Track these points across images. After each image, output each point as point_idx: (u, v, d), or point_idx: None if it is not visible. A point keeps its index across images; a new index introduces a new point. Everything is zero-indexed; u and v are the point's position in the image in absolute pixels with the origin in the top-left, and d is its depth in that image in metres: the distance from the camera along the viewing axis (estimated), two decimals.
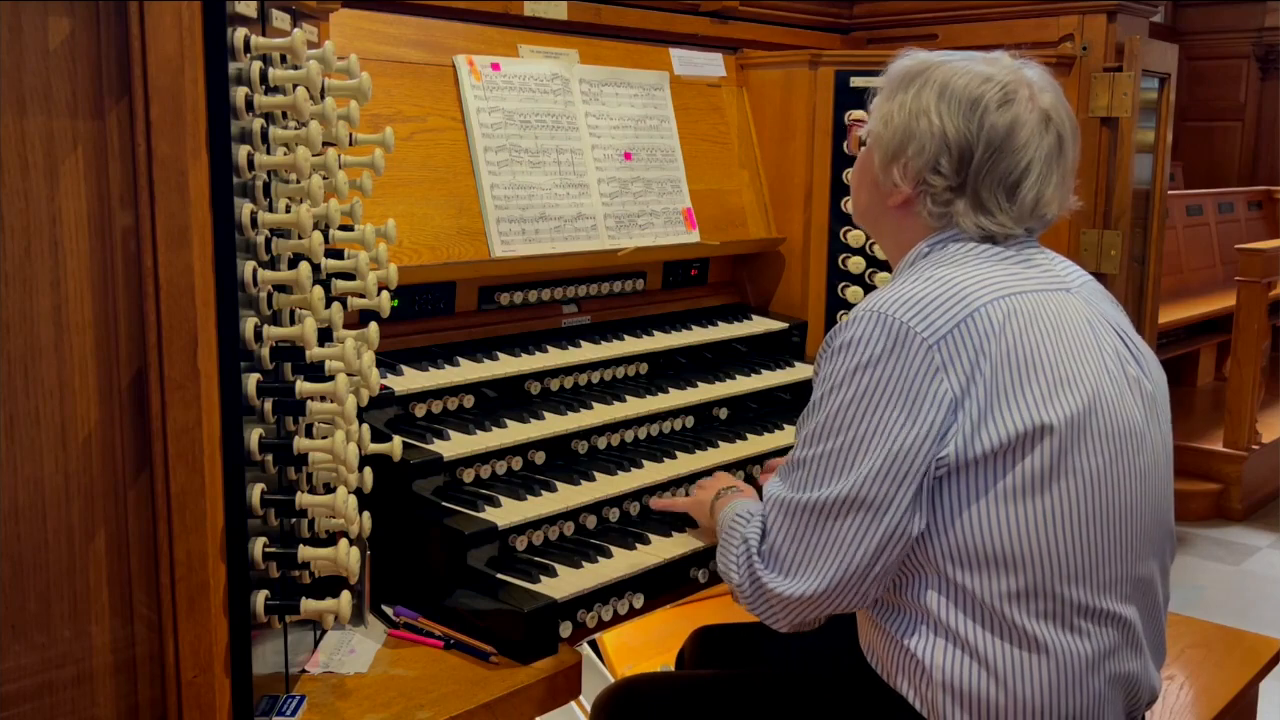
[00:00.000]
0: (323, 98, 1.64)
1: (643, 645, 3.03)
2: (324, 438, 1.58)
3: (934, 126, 1.66)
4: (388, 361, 2.12)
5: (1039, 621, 1.55)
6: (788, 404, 2.65)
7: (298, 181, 1.54)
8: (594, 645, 2.97)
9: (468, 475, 2.05)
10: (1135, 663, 1.65)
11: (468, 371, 2.19)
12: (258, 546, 1.50)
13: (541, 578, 1.87)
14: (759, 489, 2.10)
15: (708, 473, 2.28)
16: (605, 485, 2.12)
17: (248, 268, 1.47)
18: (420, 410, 2.11)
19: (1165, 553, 1.73)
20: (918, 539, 1.56)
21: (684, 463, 2.26)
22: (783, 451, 2.42)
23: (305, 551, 1.55)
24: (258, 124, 1.50)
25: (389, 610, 1.89)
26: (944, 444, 1.53)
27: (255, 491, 1.49)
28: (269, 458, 1.53)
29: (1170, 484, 1.74)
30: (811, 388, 1.66)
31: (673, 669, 2.34)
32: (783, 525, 1.62)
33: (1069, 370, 1.57)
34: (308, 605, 1.54)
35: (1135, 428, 1.63)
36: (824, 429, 1.59)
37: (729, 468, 2.31)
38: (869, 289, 2.82)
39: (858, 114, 1.86)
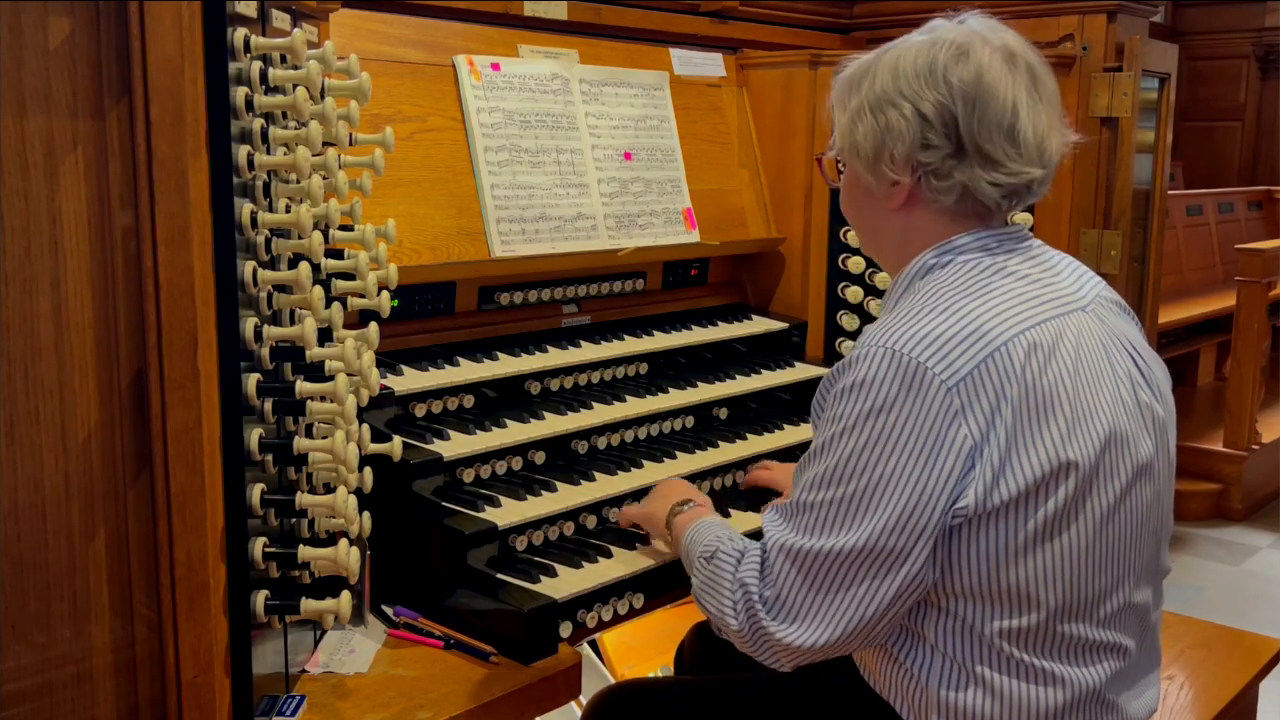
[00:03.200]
0: (323, 98, 1.64)
1: (643, 645, 3.03)
2: (324, 438, 1.57)
3: (903, 109, 1.57)
4: (388, 361, 2.12)
5: (1044, 659, 1.53)
6: (788, 404, 2.65)
7: (298, 181, 1.54)
8: (594, 645, 2.97)
9: (468, 475, 2.05)
10: (1128, 692, 1.63)
11: (468, 371, 2.19)
12: (258, 546, 1.50)
13: (541, 578, 1.87)
14: (717, 500, 2.08)
15: (708, 473, 2.28)
16: (605, 485, 2.12)
17: (248, 268, 1.47)
18: (420, 410, 2.11)
19: (1160, 574, 1.71)
20: None
21: (684, 463, 2.26)
22: (783, 452, 2.43)
23: (305, 551, 1.55)
24: (258, 124, 1.49)
25: (389, 610, 1.89)
26: (962, 493, 1.46)
27: (255, 491, 1.49)
28: (269, 458, 1.53)
29: (1171, 507, 1.70)
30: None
31: (671, 669, 2.34)
32: (790, 573, 1.54)
33: (1087, 405, 1.51)
34: (308, 605, 1.54)
35: (1144, 461, 1.59)
36: (835, 473, 1.50)
37: (729, 468, 2.32)
38: (869, 289, 2.82)
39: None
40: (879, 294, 2.80)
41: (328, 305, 1.63)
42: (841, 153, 1.70)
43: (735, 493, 2.31)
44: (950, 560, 1.50)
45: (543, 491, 2.04)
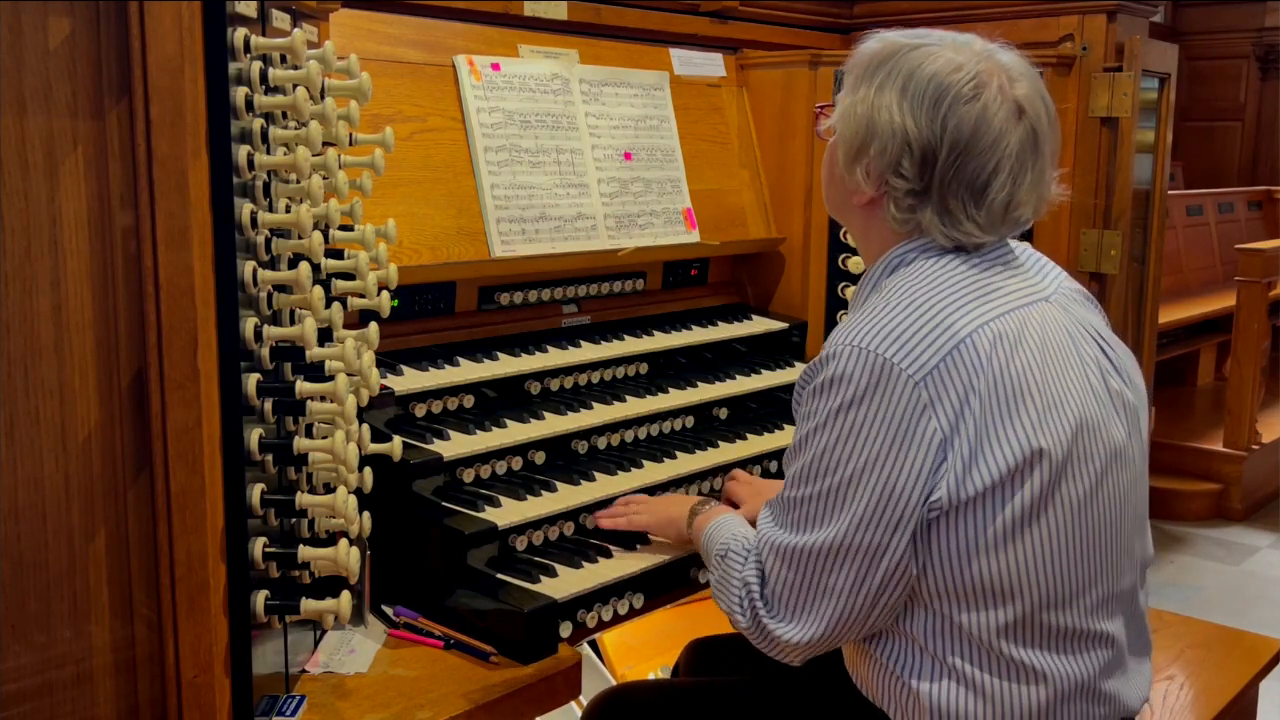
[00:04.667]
0: (323, 98, 1.64)
1: (643, 645, 3.03)
2: (324, 438, 1.57)
3: (895, 124, 1.56)
4: (388, 361, 2.12)
5: (1030, 650, 1.53)
6: (788, 404, 2.63)
7: (298, 181, 1.54)
8: (594, 645, 2.97)
9: (468, 475, 2.05)
10: (1119, 681, 1.63)
11: (468, 371, 2.19)
12: (258, 546, 1.50)
13: (541, 578, 1.87)
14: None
15: (708, 473, 2.28)
16: (605, 485, 2.12)
17: (248, 268, 1.47)
18: (420, 410, 2.11)
19: (1145, 563, 1.71)
20: None
21: (684, 463, 2.26)
22: (783, 451, 2.42)
23: (305, 551, 1.55)
24: (258, 124, 1.50)
25: (389, 610, 1.89)
26: (935, 486, 1.47)
27: (255, 491, 1.49)
28: (269, 458, 1.53)
29: (1146, 489, 1.70)
30: None
31: (670, 669, 2.33)
32: (779, 570, 1.58)
33: (1056, 392, 1.52)
34: (308, 605, 1.54)
35: (1118, 446, 1.59)
36: (811, 470, 1.54)
37: (729, 468, 2.31)
38: None
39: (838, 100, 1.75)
40: None
41: (328, 305, 1.64)
42: (834, 128, 1.69)
43: None
44: (929, 555, 1.51)
45: (543, 491, 2.04)
